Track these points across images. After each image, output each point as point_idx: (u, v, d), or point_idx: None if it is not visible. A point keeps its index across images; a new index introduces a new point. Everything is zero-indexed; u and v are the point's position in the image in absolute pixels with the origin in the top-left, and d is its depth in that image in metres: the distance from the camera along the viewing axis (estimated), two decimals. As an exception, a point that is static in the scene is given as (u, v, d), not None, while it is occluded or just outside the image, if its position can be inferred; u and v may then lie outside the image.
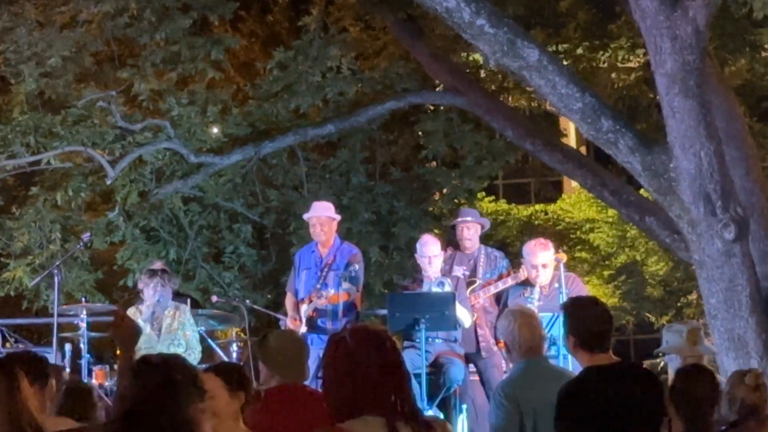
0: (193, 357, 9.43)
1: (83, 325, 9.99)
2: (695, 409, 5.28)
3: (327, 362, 3.86)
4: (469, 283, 9.91)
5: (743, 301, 8.21)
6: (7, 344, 10.94)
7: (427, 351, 9.03)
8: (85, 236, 11.43)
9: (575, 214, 20.58)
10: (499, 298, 9.89)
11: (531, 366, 6.18)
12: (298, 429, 5.50)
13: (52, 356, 9.41)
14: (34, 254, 13.00)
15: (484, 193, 19.13)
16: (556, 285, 9.25)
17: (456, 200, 14.14)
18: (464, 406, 9.30)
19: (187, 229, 13.72)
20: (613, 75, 13.85)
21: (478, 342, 9.78)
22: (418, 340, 9.07)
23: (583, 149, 18.29)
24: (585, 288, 9.97)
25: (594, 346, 5.25)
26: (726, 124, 9.46)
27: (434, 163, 14.42)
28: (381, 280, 13.56)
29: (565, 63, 10.48)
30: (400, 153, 14.55)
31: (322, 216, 9.90)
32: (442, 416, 8.97)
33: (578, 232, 20.04)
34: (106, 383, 9.77)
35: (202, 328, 10.75)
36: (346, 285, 9.45)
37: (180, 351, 9.43)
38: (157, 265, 10.20)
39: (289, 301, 10.02)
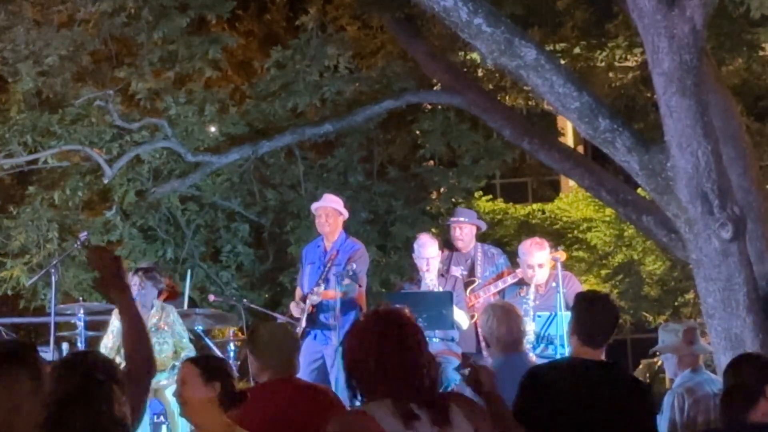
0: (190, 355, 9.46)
1: (80, 324, 9.99)
2: None
3: (344, 347, 3.87)
4: (469, 283, 9.90)
5: (740, 300, 8.21)
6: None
7: (424, 350, 9.02)
8: (83, 235, 11.40)
9: (572, 213, 20.58)
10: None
11: (509, 361, 6.17)
12: (292, 423, 5.50)
13: (49, 355, 9.39)
14: (31, 253, 13.00)
15: (481, 192, 19.13)
16: (553, 284, 9.24)
17: (453, 199, 14.15)
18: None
19: (184, 228, 13.72)
20: (611, 74, 13.86)
21: (478, 342, 9.78)
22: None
23: (580, 148, 18.28)
24: (581, 288, 9.96)
25: (587, 343, 5.29)
26: (723, 124, 9.44)
27: (432, 163, 14.43)
28: (378, 280, 13.56)
29: (562, 62, 10.47)
30: (397, 152, 14.55)
31: (328, 207, 9.87)
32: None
33: (575, 231, 20.04)
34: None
35: (200, 326, 10.75)
36: (346, 282, 9.43)
37: (167, 350, 9.44)
38: (146, 264, 10.25)
39: (297, 296, 10.06)
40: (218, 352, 10.86)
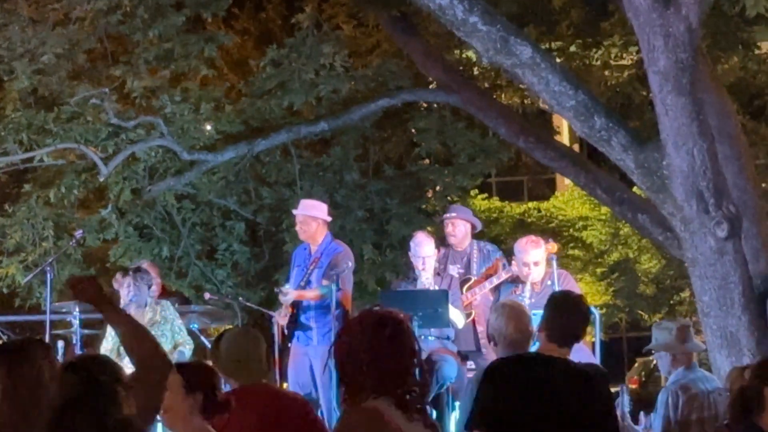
0: (188, 349, 9.50)
1: (76, 322, 9.98)
2: None
3: (337, 346, 3.88)
4: (465, 281, 9.90)
5: (736, 298, 8.23)
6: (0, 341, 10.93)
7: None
8: (78, 233, 11.43)
9: (568, 212, 20.63)
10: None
11: None
12: (260, 429, 5.48)
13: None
14: (26, 251, 12.99)
15: (477, 191, 19.16)
16: (549, 282, 9.24)
17: (449, 198, 14.16)
18: (457, 404, 9.30)
19: (180, 227, 13.72)
20: (606, 72, 13.87)
21: (477, 340, 9.78)
22: (411, 338, 9.06)
23: (576, 147, 18.33)
24: (576, 286, 9.95)
25: (556, 341, 5.36)
26: (719, 122, 9.46)
27: (427, 161, 14.43)
28: (374, 278, 13.56)
29: (558, 60, 10.48)
30: (393, 150, 14.55)
31: (300, 215, 9.89)
32: (434, 414, 8.97)
33: (571, 230, 20.09)
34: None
35: (195, 324, 10.75)
36: (325, 283, 9.44)
37: (165, 342, 9.45)
38: (143, 263, 10.25)
39: None
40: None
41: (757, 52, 13.14)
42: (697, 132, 8.12)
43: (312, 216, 9.81)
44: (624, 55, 13.65)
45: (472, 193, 18.28)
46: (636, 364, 21.00)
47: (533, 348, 6.17)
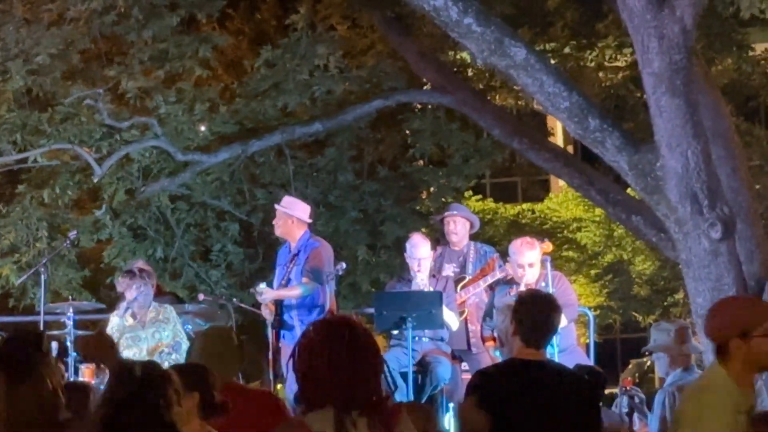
0: (184, 349, 9.50)
1: (70, 323, 9.96)
2: None
3: (294, 354, 3.87)
4: (460, 280, 9.90)
5: (729, 300, 8.23)
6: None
7: (413, 350, 9.03)
8: (72, 234, 11.42)
9: (562, 213, 20.65)
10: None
11: None
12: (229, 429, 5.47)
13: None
14: (20, 252, 12.98)
15: (471, 192, 19.17)
16: (543, 284, 9.24)
17: (443, 199, 14.15)
18: (451, 405, 9.30)
19: (174, 228, 13.71)
20: (601, 74, 13.89)
21: (468, 339, 9.78)
22: (404, 339, 9.07)
23: (570, 148, 18.32)
24: (571, 287, 9.96)
25: (530, 344, 5.36)
26: (713, 123, 9.47)
27: (421, 162, 14.43)
28: (368, 279, 13.56)
29: (552, 62, 10.49)
30: (387, 151, 14.55)
31: (277, 210, 9.89)
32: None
33: (565, 231, 20.11)
34: (94, 381, 9.74)
35: (189, 326, 10.74)
36: (304, 280, 9.43)
37: (167, 337, 9.46)
38: (139, 264, 10.22)
39: None
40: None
41: (751, 53, 13.17)
42: (692, 133, 8.13)
43: (286, 213, 9.79)
44: (618, 56, 13.67)
45: (466, 194, 18.29)
46: (630, 366, 21.02)
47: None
